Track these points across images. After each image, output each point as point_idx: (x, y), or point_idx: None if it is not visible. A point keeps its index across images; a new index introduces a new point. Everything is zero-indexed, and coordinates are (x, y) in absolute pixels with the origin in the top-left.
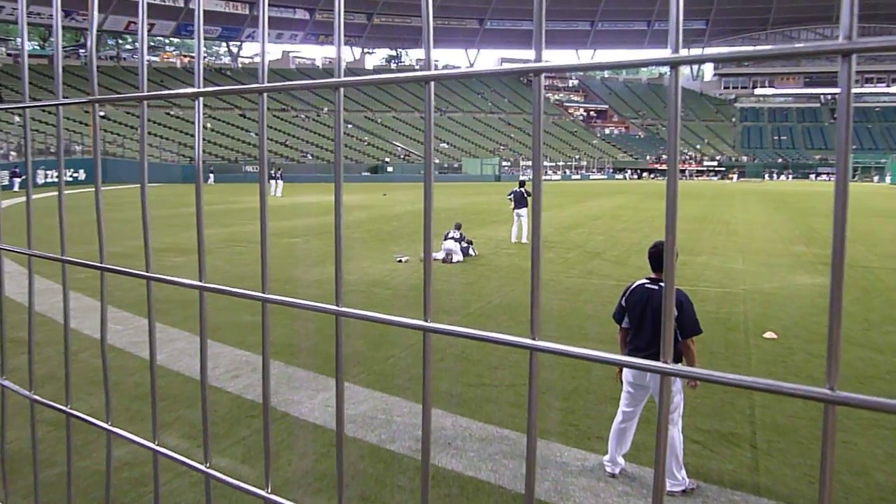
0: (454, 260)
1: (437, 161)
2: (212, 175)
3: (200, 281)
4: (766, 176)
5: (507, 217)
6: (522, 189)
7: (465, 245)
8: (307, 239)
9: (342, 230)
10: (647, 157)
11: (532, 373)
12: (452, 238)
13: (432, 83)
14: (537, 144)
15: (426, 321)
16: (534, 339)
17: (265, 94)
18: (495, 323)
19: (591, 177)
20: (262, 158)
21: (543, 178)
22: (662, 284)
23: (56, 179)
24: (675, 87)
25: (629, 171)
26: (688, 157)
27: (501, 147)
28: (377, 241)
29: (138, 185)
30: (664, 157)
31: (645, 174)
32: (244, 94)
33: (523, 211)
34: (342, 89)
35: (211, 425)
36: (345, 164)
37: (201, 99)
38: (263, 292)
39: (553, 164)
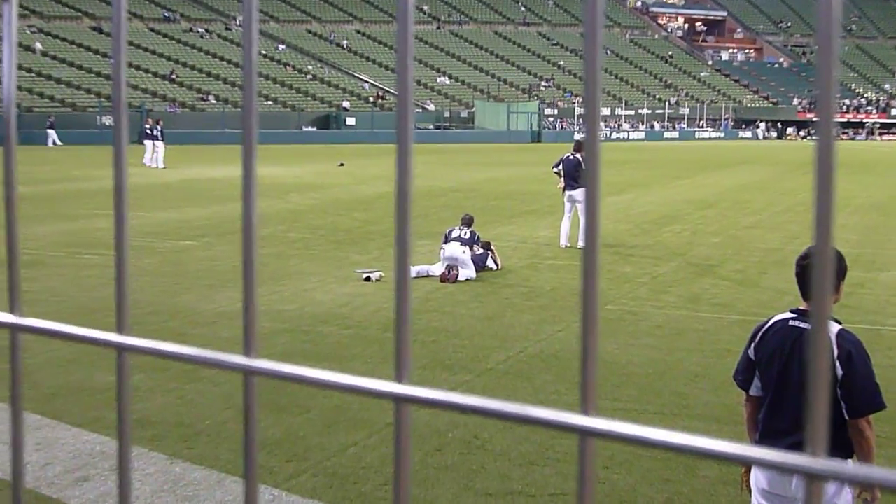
0: (462, 277)
1: (431, 107)
2: (52, 132)
3: (13, 314)
4: None
5: (552, 204)
6: (580, 156)
7: (479, 251)
8: (208, 242)
9: (267, 228)
10: (795, 101)
11: (585, 468)
12: (459, 240)
13: None
14: (592, 76)
15: (400, 382)
16: (585, 412)
17: None
18: (532, 386)
19: (698, 134)
20: (116, 103)
21: (616, 136)
22: None
23: None
24: None
25: (763, 126)
26: (866, 104)
27: (543, 84)
28: (330, 245)
29: None
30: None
31: (790, 130)
32: None
33: (581, 193)
34: None
35: None
36: (274, 112)
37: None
38: (120, 332)
39: (632, 112)
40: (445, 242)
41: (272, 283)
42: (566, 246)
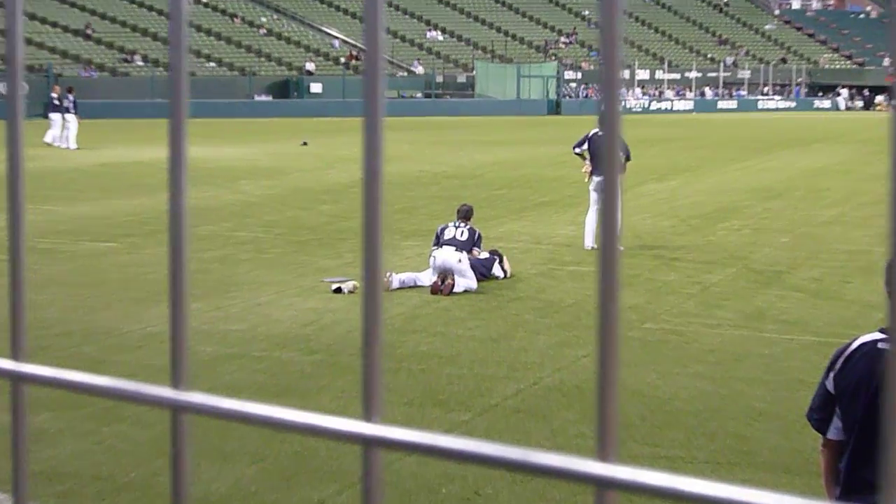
0: (459, 287)
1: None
2: None
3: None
4: None
5: (575, 194)
6: None
7: (482, 255)
8: (134, 243)
9: (210, 225)
10: (886, 62)
11: None
12: (454, 243)
13: None
14: (610, 23)
15: (369, 420)
16: (604, 458)
17: None
18: (549, 427)
19: (762, 104)
20: (11, 65)
21: (657, 106)
22: None
23: None
24: None
25: (845, 93)
26: None
27: (562, 40)
28: (290, 246)
29: None
30: None
31: (880, 99)
32: None
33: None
34: None
35: None
36: (219, 77)
37: None
38: (15, 359)
39: (678, 75)
40: (437, 244)
41: (216, 296)
42: (593, 248)
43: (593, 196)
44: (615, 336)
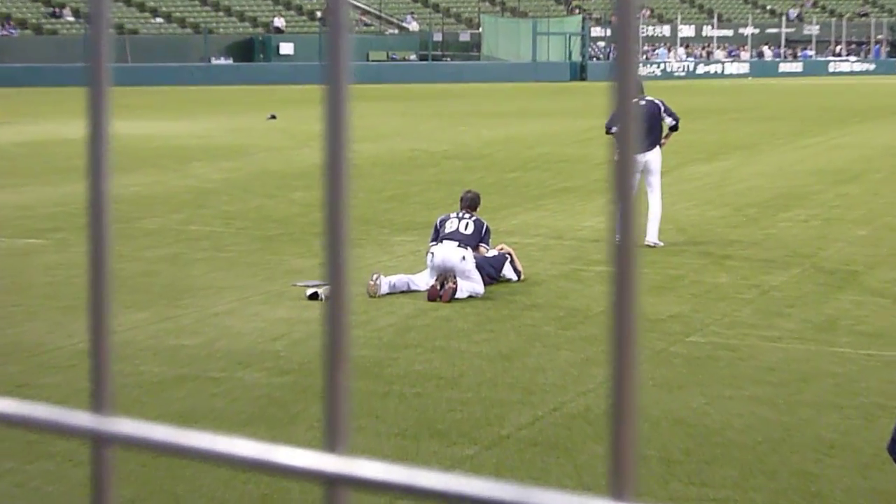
0: (463, 293)
1: (413, 27)
2: None
3: None
4: None
5: (604, 178)
6: (658, 101)
7: (490, 252)
8: (63, 239)
9: (156, 217)
10: None
11: None
12: (456, 237)
13: None
14: None
15: (332, 451)
16: (618, 497)
17: None
18: (572, 463)
19: (834, 66)
20: None
21: (704, 69)
22: None
23: None
24: None
25: None
26: None
27: None
28: (255, 243)
29: None
30: None
31: None
32: None
33: (656, 159)
34: None
35: None
36: (168, 36)
37: None
38: None
39: (730, 32)
40: (436, 240)
41: (164, 305)
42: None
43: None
44: (632, 345)
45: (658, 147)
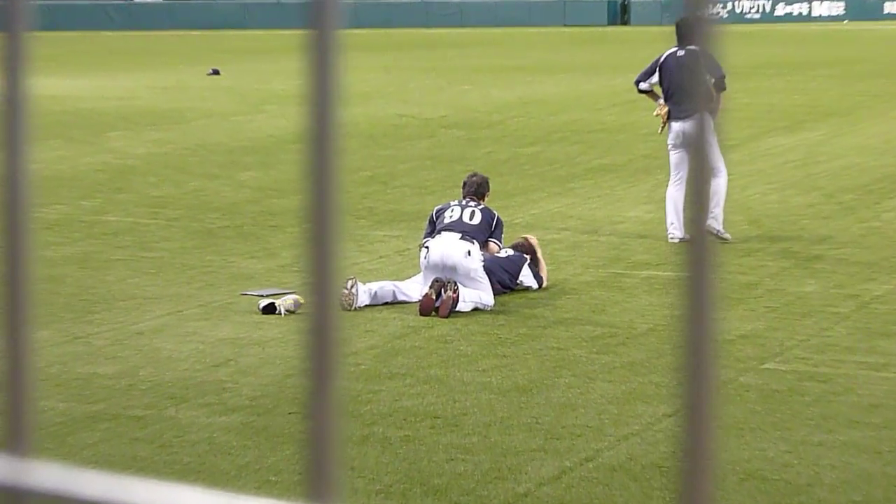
0: (466, 304)
1: None
2: None
3: None
4: None
5: (653, 153)
6: (703, 53)
7: (503, 252)
8: None
9: (62, 204)
10: None
11: None
12: (458, 229)
13: None
14: None
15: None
16: None
17: None
18: None
19: None
20: None
21: (784, 11)
22: None
23: None
24: None
25: None
26: None
27: None
28: (192, 238)
29: None
30: None
31: None
32: None
33: (712, 134)
34: None
35: None
36: None
37: None
38: None
39: None
40: (432, 233)
41: (72, 320)
42: (682, 239)
43: (673, 157)
44: (708, 375)
45: (704, 113)
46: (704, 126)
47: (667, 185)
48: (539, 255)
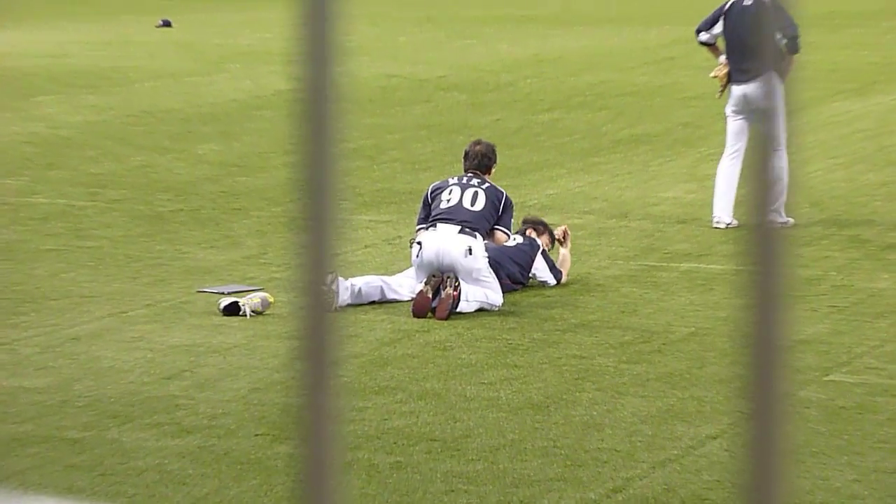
0: (468, 304)
1: None
2: None
3: None
4: None
5: (696, 121)
6: (773, 4)
7: (513, 241)
8: None
9: None
10: None
11: None
12: (458, 216)
13: None
14: None
15: None
16: None
17: None
18: None
19: None
20: None
21: None
22: None
23: None
24: None
25: None
26: None
27: None
28: (140, 224)
29: None
30: None
31: None
32: None
33: (779, 101)
34: None
35: None
36: None
37: None
38: None
39: None
40: (427, 220)
41: None
42: (728, 225)
43: (732, 126)
44: (777, 388)
45: (773, 77)
46: (772, 92)
47: (717, 160)
48: (567, 245)
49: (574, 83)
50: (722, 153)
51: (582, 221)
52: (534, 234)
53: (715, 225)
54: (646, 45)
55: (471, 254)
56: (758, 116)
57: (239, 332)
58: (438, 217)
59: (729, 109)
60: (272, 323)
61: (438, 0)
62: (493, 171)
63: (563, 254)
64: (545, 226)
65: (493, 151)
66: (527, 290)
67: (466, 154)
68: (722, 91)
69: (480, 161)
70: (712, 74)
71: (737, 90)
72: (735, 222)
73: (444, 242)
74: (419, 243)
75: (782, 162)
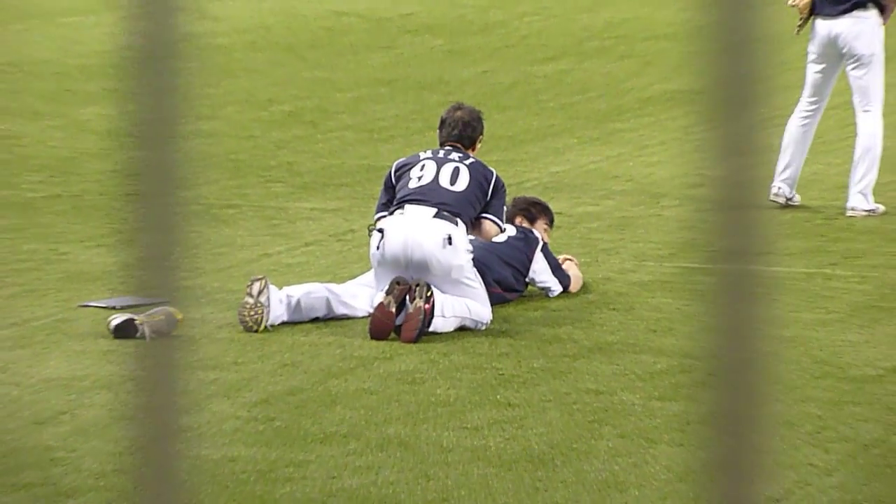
0: (443, 321)
1: None
2: None
3: None
4: None
5: (757, 74)
6: None
7: (504, 234)
8: None
9: None
10: None
11: None
12: (433, 197)
13: None
14: None
15: None
16: None
17: None
18: None
19: None
20: None
21: None
22: None
23: None
24: None
25: None
26: None
27: None
28: (9, 216)
29: None
30: None
31: None
32: None
33: (863, 41)
34: None
35: None
36: None
37: None
38: None
39: None
40: (389, 205)
41: None
42: (789, 200)
43: (812, 74)
44: None
45: (870, 17)
46: (870, 33)
47: (783, 124)
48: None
49: (587, 22)
50: (794, 108)
51: (599, 209)
52: (526, 224)
53: (772, 198)
54: None
55: (450, 244)
56: (847, 64)
57: (135, 360)
58: (407, 199)
59: (810, 52)
60: (179, 347)
61: None
62: (479, 145)
63: (568, 267)
64: (539, 206)
65: (479, 119)
66: (523, 300)
67: (443, 122)
68: (801, 26)
69: (462, 131)
70: (790, 2)
71: (821, 26)
72: (798, 198)
73: (415, 230)
74: (380, 231)
75: (874, 127)
